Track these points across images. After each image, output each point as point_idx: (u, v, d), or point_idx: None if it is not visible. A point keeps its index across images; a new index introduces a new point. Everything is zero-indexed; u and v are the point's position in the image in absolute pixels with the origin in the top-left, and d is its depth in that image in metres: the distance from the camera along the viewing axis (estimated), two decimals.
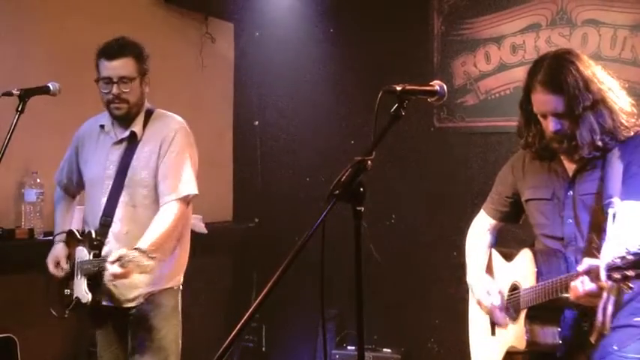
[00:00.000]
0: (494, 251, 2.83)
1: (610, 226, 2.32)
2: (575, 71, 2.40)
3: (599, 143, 2.40)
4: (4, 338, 3.37)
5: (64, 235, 3.26)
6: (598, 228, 2.41)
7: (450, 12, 4.70)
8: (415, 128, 4.60)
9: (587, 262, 2.14)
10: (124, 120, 3.16)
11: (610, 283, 2.05)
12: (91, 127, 3.28)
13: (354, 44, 4.99)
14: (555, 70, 2.42)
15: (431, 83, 2.02)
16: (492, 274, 2.78)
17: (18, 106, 2.86)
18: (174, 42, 4.81)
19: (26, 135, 3.01)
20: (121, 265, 2.80)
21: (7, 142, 2.79)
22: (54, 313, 3.19)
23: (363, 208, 1.79)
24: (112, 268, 2.83)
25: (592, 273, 2.11)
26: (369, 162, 1.74)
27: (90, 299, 3.05)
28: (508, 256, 2.72)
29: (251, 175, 5.34)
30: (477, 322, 2.83)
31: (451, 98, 4.58)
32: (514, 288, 2.61)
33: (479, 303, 2.72)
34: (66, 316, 3.15)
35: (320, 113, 5.08)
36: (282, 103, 5.23)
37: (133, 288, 3.08)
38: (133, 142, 3.15)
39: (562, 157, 2.55)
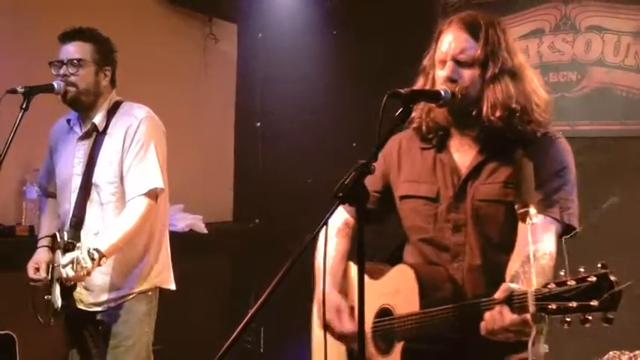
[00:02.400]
0: (352, 265, 2.28)
1: (521, 242, 1.89)
2: (502, 34, 2.03)
3: (515, 106, 1.96)
4: (3, 335, 3.35)
5: (49, 239, 3.10)
6: (499, 244, 2.00)
7: None
8: None
9: (507, 288, 1.75)
10: (84, 111, 3.03)
11: (539, 315, 1.66)
12: (60, 125, 3.17)
13: (357, 46, 4.97)
14: (481, 18, 2.03)
15: (435, 87, 2.02)
16: (351, 293, 2.24)
17: (22, 104, 2.85)
18: (178, 42, 4.82)
19: (29, 132, 3.01)
20: (74, 269, 2.73)
21: (11, 140, 2.79)
22: (40, 320, 3.03)
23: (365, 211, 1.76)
24: (63, 272, 2.76)
25: (515, 301, 1.72)
26: (373, 165, 1.73)
27: (59, 305, 2.94)
28: (374, 273, 2.17)
29: (252, 175, 5.34)
30: (329, 350, 2.01)
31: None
32: (384, 313, 2.11)
33: (328, 325, 2.12)
34: (51, 323, 3.00)
35: (322, 115, 5.07)
36: (284, 105, 5.22)
37: (102, 292, 2.99)
38: (98, 136, 3.00)
39: (451, 150, 2.11)
